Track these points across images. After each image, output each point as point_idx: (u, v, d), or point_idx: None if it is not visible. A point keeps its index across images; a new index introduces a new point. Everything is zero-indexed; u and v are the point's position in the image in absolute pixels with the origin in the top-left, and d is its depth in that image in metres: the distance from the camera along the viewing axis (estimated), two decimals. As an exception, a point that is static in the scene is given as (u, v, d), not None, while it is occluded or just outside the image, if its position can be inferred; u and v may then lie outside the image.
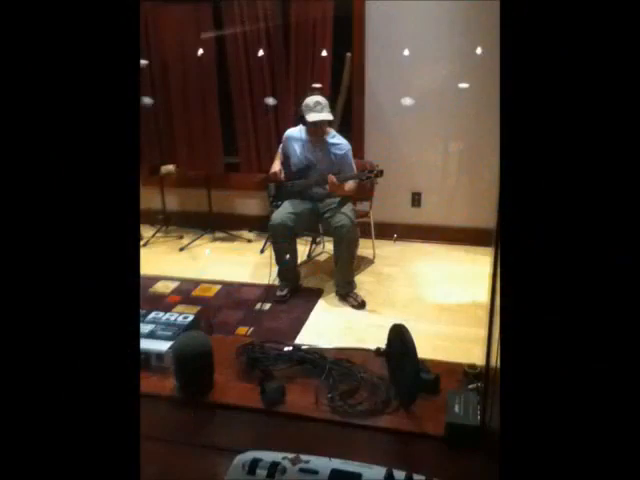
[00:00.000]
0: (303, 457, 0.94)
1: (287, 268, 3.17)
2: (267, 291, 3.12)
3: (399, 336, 1.22)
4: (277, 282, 3.19)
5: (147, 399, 0.89)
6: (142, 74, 3.91)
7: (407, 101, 3.79)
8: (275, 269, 3.16)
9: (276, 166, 3.26)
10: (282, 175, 3.22)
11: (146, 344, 1.35)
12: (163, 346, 1.35)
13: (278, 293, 3.14)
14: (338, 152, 3.12)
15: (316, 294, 3.22)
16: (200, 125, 4.14)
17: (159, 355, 1.34)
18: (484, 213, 3.60)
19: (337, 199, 3.13)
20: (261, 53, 3.90)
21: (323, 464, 0.92)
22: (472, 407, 1.10)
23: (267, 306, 3.07)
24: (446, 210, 4.00)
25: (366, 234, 3.61)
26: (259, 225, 4.15)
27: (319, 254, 3.88)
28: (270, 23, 3.84)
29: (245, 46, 3.92)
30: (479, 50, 3.58)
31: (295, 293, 3.20)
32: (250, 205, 4.37)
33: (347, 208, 3.10)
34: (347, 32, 3.75)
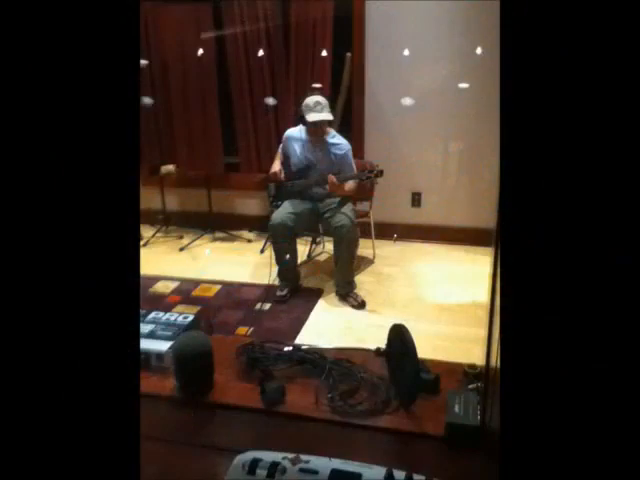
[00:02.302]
0: (303, 457, 0.94)
1: (287, 268, 3.17)
2: (267, 291, 3.12)
3: (399, 336, 1.22)
4: (277, 282, 3.19)
5: (147, 399, 0.89)
6: (142, 74, 3.91)
7: (407, 101, 3.79)
8: (275, 269, 3.16)
9: (276, 166, 3.26)
10: (282, 175, 3.22)
11: (146, 344, 1.35)
12: (163, 346, 1.35)
13: (278, 293, 3.14)
14: (338, 152, 3.12)
15: (316, 294, 3.22)
16: (200, 125, 4.14)
17: (159, 355, 1.34)
18: (484, 213, 3.60)
19: (337, 199, 3.13)
20: (261, 53, 3.90)
21: (323, 464, 0.92)
22: (472, 407, 1.10)
23: (267, 306, 3.07)
24: (446, 210, 4.00)
25: (366, 234, 3.61)
26: (259, 225, 4.15)
27: (319, 254, 3.88)
28: (270, 23, 3.84)
29: (245, 46, 3.92)
30: (479, 50, 3.58)
31: (295, 293, 3.20)
32: (250, 205, 4.37)
33: (347, 208, 3.10)
34: (347, 32, 3.75)
